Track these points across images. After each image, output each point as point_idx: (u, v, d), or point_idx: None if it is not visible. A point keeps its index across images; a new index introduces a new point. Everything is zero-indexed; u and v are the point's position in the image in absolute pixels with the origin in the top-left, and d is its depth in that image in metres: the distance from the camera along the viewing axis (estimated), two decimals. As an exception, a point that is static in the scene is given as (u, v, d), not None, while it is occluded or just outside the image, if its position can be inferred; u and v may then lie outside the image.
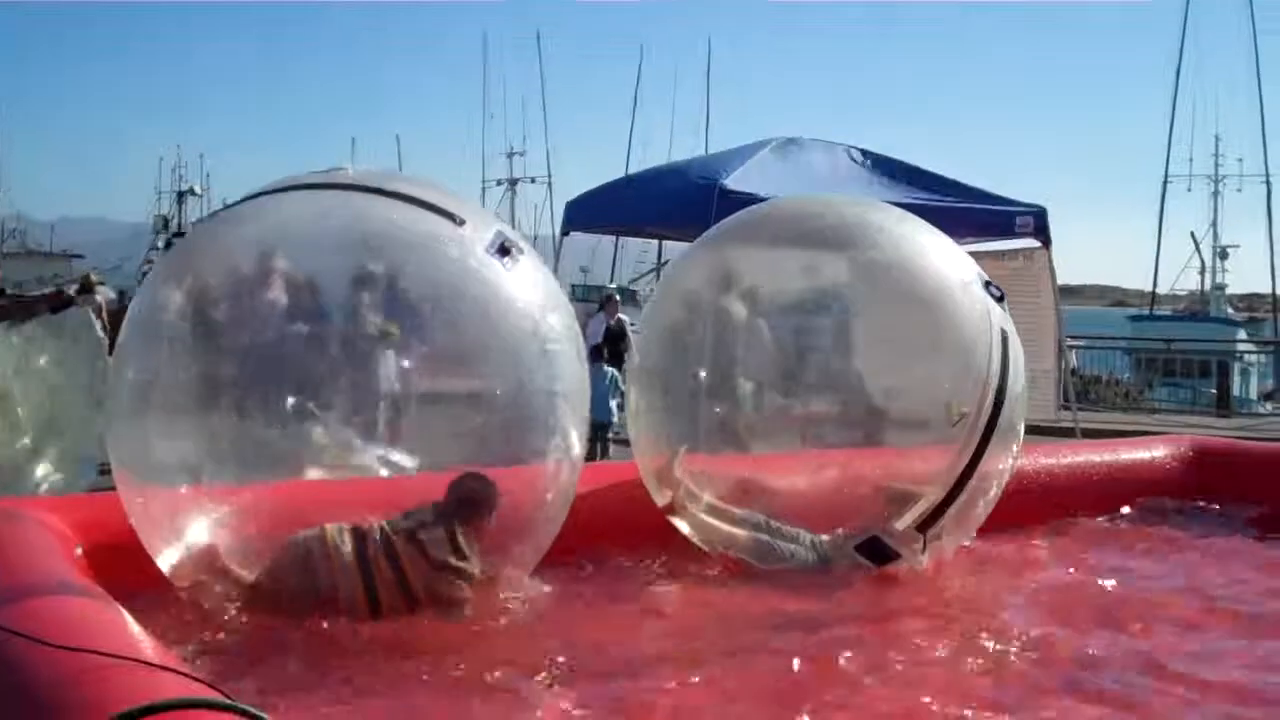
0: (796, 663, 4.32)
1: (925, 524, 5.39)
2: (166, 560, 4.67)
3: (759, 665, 4.37)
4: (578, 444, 4.85)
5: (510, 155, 58.22)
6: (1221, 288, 44.25)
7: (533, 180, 57.58)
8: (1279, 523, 6.58)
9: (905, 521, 5.44)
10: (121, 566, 4.47)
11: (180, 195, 49.16)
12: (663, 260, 21.09)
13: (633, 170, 48.31)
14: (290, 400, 4.59)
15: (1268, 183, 41.11)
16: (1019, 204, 12.49)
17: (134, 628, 3.51)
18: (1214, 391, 24.22)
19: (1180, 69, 40.79)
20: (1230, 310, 42.25)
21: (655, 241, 18.79)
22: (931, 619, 4.99)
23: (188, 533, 4.67)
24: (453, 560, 4.58)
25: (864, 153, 12.22)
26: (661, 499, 5.75)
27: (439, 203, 4.72)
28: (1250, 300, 49.95)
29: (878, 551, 5.45)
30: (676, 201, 10.95)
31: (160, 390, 4.68)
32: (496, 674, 4.12)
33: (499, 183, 58.25)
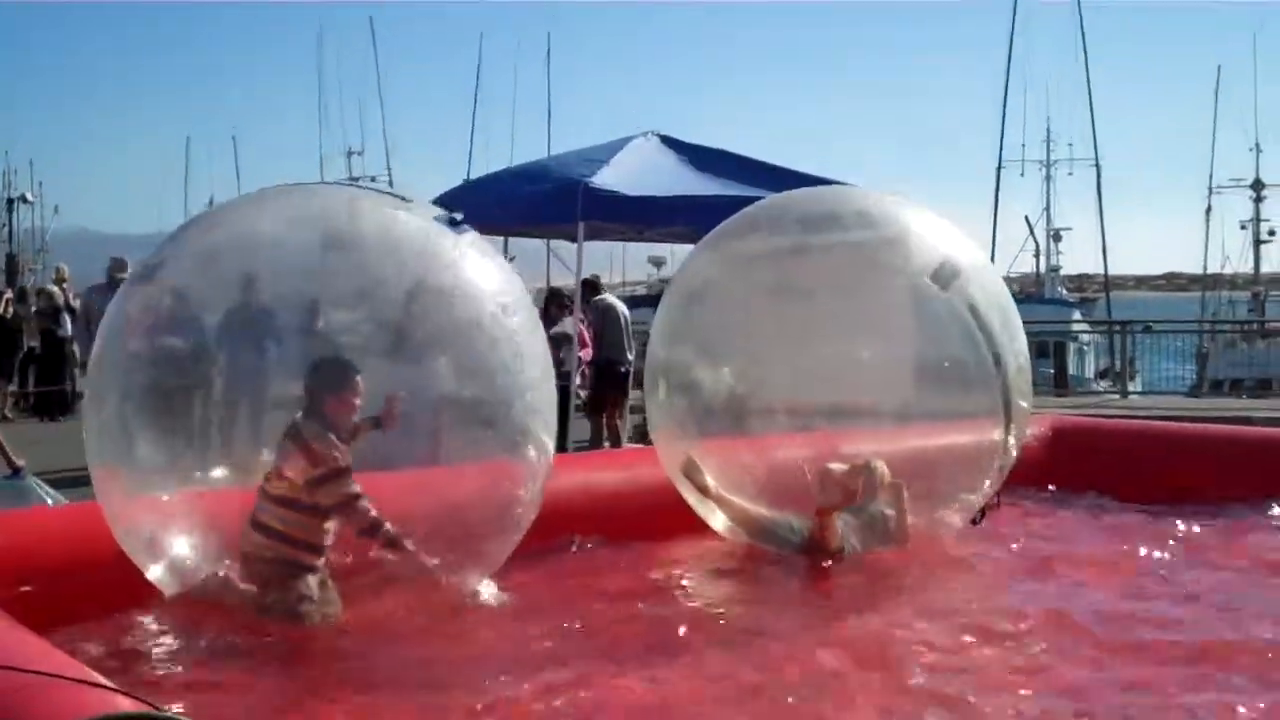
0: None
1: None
2: (157, 567, 4.69)
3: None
4: (549, 442, 4.96)
5: (349, 155, 57.00)
6: (1056, 269, 45.92)
7: (373, 179, 56.40)
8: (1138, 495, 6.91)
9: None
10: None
11: (10, 202, 47.07)
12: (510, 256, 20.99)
13: (475, 164, 48.22)
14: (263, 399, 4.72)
15: (1097, 166, 42.66)
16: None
17: (48, 646, 3.49)
18: (1052, 371, 25.12)
19: (1010, 56, 42.14)
20: (1064, 291, 43.79)
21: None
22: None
23: (179, 540, 4.68)
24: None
25: (721, 153, 12.41)
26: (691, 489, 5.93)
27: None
28: (1080, 281, 51.82)
29: None
30: (542, 200, 11.01)
31: (147, 395, 4.70)
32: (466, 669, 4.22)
33: (338, 183, 56.97)
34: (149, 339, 4.78)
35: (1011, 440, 5.90)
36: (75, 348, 16.44)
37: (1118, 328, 22.76)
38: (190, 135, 71.17)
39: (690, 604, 5.28)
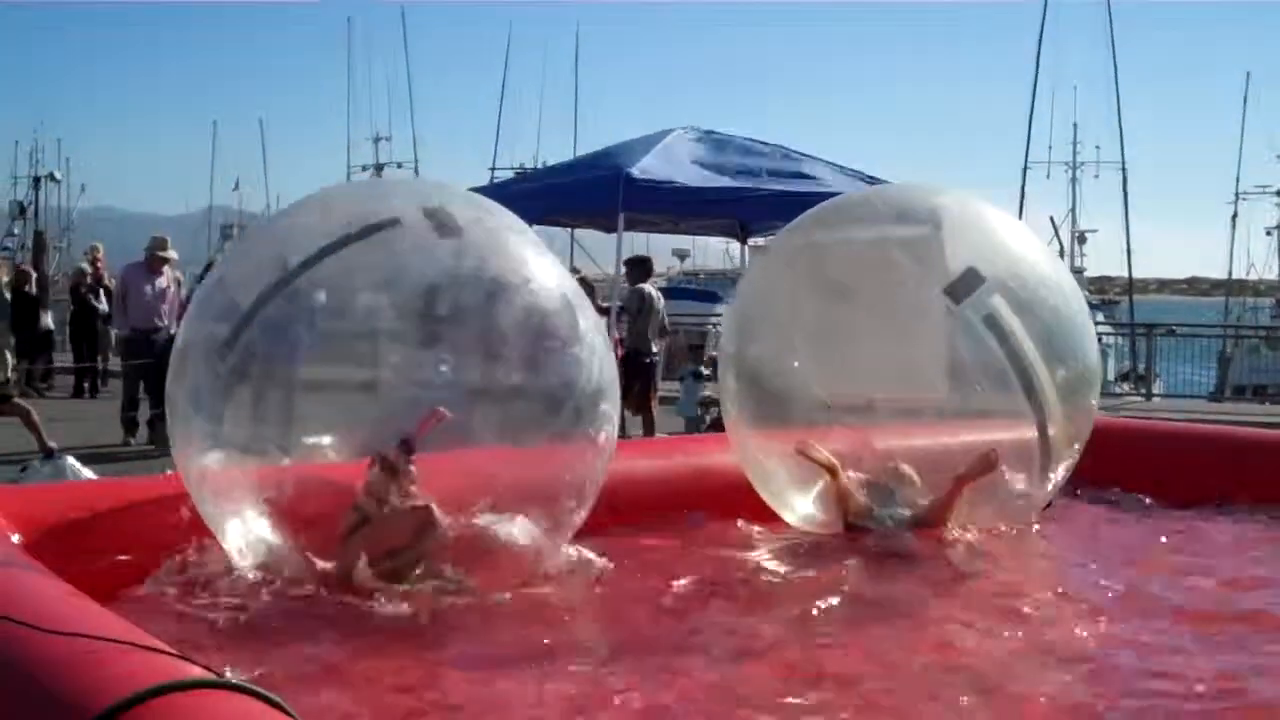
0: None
1: None
2: (238, 537, 4.78)
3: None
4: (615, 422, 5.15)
5: (376, 140, 57.18)
6: (1080, 271, 45.78)
7: (399, 166, 56.55)
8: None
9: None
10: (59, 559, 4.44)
11: (37, 180, 47.30)
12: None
13: (500, 156, 48.34)
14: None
15: (1124, 169, 42.49)
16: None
17: (111, 615, 3.52)
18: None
19: (1039, 58, 41.86)
20: (1087, 293, 43.56)
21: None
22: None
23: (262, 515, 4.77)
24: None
25: (762, 144, 12.45)
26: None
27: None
28: (1101, 283, 51.72)
29: None
30: (581, 189, 11.07)
31: (241, 368, 4.83)
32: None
33: (364, 168, 57.17)
34: (238, 320, 4.86)
35: (1054, 442, 5.91)
36: (110, 326, 16.44)
37: (1141, 330, 22.67)
38: (217, 118, 71.26)
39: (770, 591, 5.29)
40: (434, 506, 4.63)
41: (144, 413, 12.55)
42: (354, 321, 5.03)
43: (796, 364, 6.28)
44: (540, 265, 5.04)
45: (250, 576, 4.71)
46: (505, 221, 5.19)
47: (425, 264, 5.02)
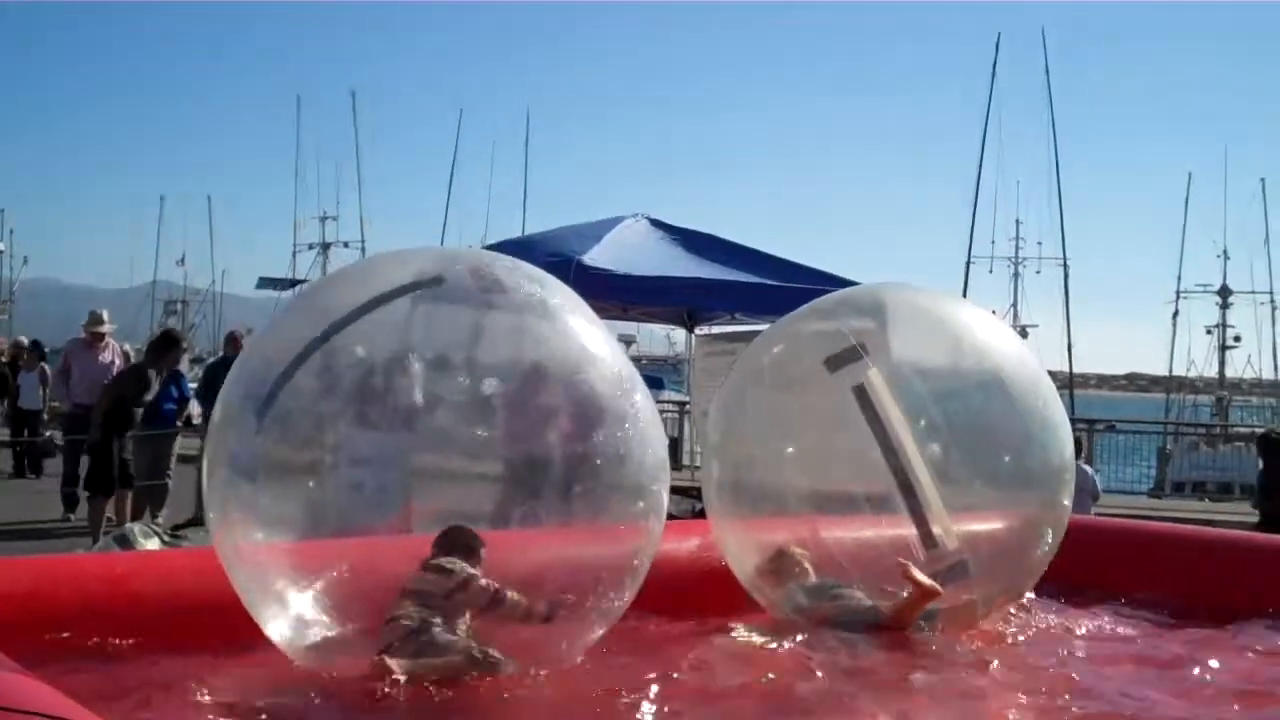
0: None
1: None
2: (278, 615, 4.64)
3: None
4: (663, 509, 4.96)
5: (323, 219, 57.20)
6: (1020, 366, 46.34)
7: (345, 245, 56.57)
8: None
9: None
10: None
11: (-20, 254, 47.01)
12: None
13: (449, 236, 48.36)
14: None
15: (1065, 265, 43.07)
16: (851, 282, 13.03)
17: (44, 686, 3.47)
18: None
19: (983, 154, 42.75)
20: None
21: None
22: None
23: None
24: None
25: (710, 237, 12.71)
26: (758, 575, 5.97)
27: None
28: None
29: None
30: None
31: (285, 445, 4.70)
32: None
33: (310, 246, 57.17)
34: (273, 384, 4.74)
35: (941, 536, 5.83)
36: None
37: (1082, 426, 22.93)
38: (165, 193, 70.99)
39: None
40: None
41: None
42: (393, 391, 4.83)
43: (763, 454, 6.29)
44: (594, 339, 4.86)
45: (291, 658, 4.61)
46: (559, 295, 4.97)
47: (471, 332, 4.93)
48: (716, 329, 14.09)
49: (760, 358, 6.60)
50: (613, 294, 11.38)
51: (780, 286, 11.43)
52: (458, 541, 4.71)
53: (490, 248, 14.17)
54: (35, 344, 17.62)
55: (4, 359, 16.99)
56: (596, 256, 10.99)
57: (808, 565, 6.01)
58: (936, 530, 5.67)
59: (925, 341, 6.27)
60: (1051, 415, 6.00)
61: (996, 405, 6.03)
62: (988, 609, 5.83)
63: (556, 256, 10.88)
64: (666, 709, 4.60)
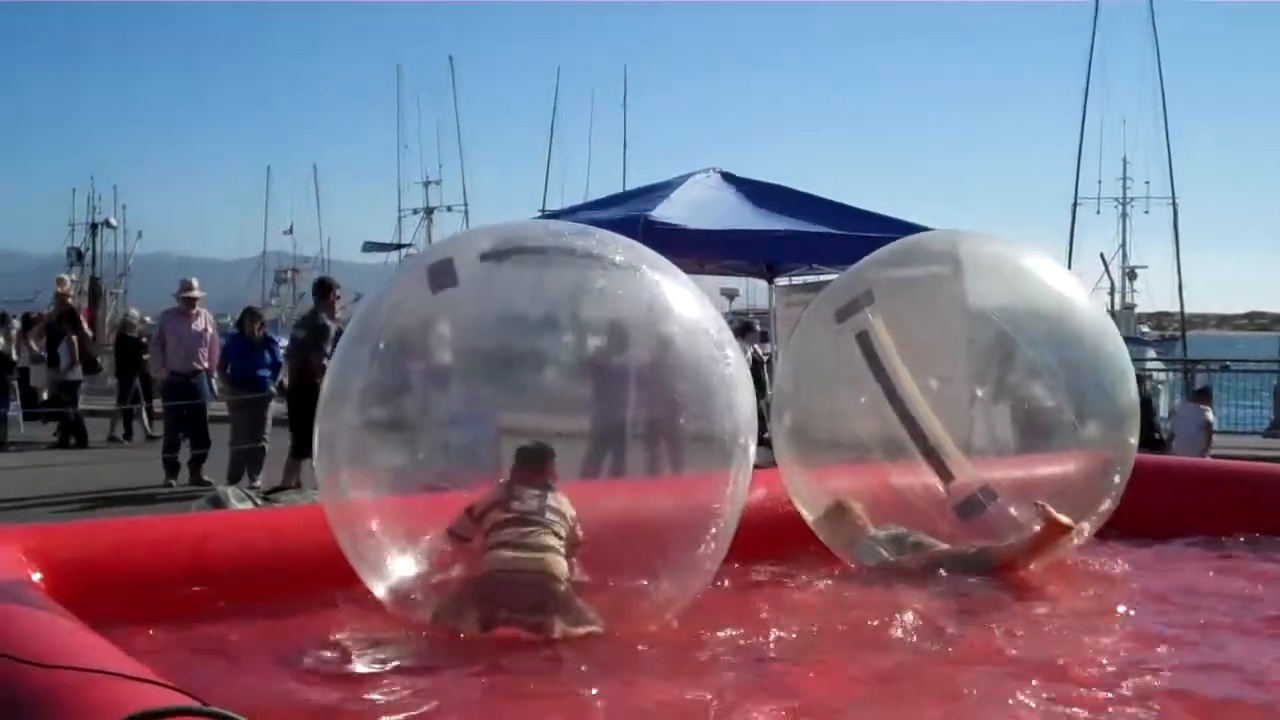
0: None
1: None
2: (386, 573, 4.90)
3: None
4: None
5: (426, 184, 58.02)
6: (1131, 308, 45.30)
7: (449, 209, 57.40)
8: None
9: None
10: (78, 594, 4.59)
11: (94, 227, 48.27)
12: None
13: (551, 195, 48.72)
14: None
15: (1174, 204, 42.14)
16: (923, 229, 12.90)
17: (109, 646, 3.67)
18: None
19: (1088, 93, 41.74)
20: (1145, 330, 43.05)
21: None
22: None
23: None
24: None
25: (782, 189, 12.68)
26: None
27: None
28: (1158, 318, 51.08)
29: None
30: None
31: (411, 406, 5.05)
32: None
33: (415, 211, 58.01)
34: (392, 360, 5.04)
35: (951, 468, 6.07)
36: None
37: (1196, 367, 22.38)
38: (271, 164, 72.57)
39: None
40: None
41: (185, 454, 12.80)
42: (499, 354, 5.05)
43: (831, 402, 6.47)
44: (687, 302, 5.01)
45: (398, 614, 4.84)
46: (651, 260, 5.13)
47: (575, 296, 5.13)
48: (797, 279, 14.09)
49: (828, 306, 6.67)
50: (682, 249, 11.43)
51: (853, 236, 11.36)
52: (533, 459, 4.90)
53: (553, 215, 14.31)
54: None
55: (133, 333, 17.21)
56: (665, 212, 11.01)
57: (864, 516, 6.11)
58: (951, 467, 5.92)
59: (999, 287, 6.36)
60: (1125, 357, 6.29)
61: (1086, 347, 6.20)
62: (1081, 538, 6.04)
63: (625, 213, 10.96)
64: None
